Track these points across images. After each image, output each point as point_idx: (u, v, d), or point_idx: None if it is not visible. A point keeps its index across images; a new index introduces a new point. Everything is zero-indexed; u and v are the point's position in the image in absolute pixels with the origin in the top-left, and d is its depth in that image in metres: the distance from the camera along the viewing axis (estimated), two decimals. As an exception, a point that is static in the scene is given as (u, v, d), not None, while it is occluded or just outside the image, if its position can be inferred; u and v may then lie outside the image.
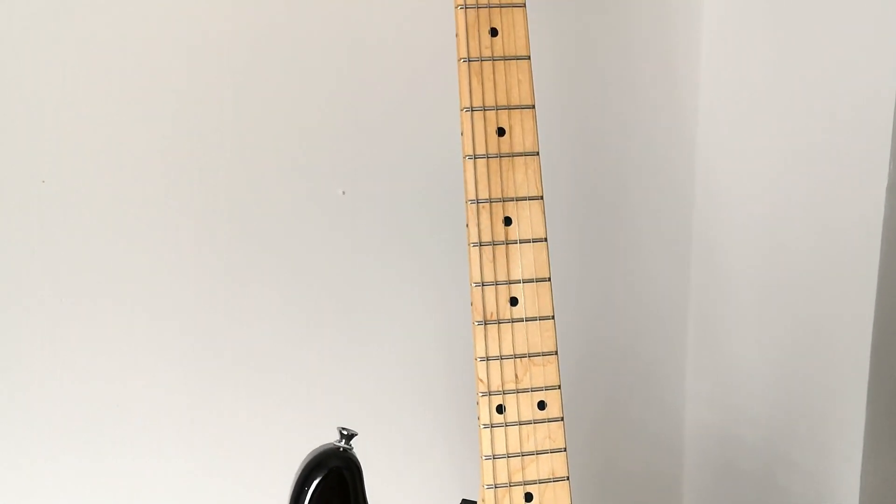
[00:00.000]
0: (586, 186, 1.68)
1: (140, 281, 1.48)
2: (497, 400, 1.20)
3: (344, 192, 1.54)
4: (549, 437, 1.21)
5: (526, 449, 1.20)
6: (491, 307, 1.19)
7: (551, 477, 1.21)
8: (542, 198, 1.20)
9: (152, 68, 1.44)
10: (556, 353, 1.21)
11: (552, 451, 1.21)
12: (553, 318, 1.21)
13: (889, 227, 1.47)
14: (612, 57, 1.66)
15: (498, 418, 1.20)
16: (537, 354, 1.20)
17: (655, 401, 1.80)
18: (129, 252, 1.46)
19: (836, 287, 1.55)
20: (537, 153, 1.20)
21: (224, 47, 1.47)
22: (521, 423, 1.20)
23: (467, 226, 1.19)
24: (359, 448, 1.23)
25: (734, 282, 1.71)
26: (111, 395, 1.49)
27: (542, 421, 1.21)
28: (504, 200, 1.19)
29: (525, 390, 1.20)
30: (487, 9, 1.18)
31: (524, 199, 1.19)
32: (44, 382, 1.46)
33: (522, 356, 1.20)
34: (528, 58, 1.20)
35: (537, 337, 1.20)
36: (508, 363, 1.20)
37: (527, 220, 1.20)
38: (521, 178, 1.19)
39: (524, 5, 1.19)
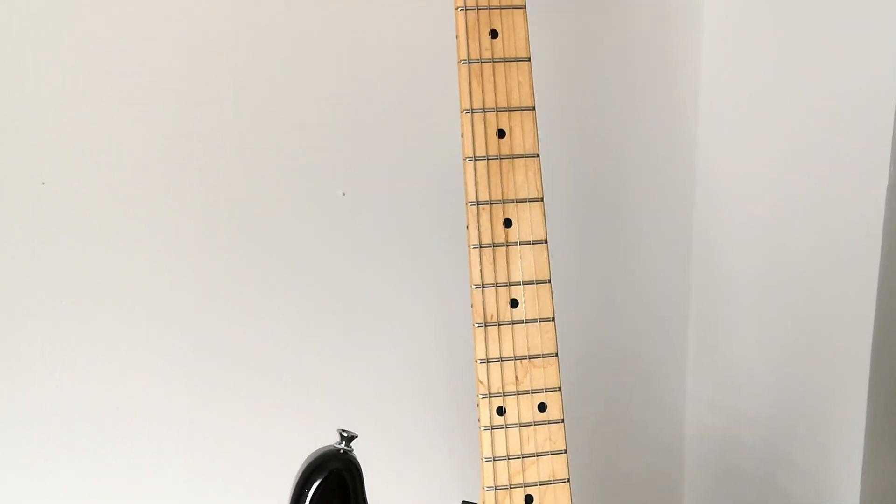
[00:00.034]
0: (586, 187, 1.68)
1: (140, 282, 1.48)
2: (497, 402, 1.20)
3: (344, 194, 1.53)
4: (550, 439, 1.21)
5: (526, 451, 1.20)
6: (491, 309, 1.19)
7: (552, 479, 1.21)
8: (542, 199, 1.20)
9: (152, 68, 1.44)
10: (557, 354, 1.21)
11: (553, 453, 1.21)
12: (553, 319, 1.21)
13: (890, 227, 1.47)
14: (612, 57, 1.66)
15: (498, 420, 1.20)
16: (538, 356, 1.20)
17: (656, 402, 1.80)
18: (128, 253, 1.46)
19: (837, 287, 1.55)
20: (537, 155, 1.20)
21: (224, 47, 1.47)
22: (521, 425, 1.20)
23: (467, 227, 1.18)
24: (359, 449, 1.23)
25: (735, 282, 1.71)
26: (111, 396, 1.49)
27: (543, 423, 1.20)
28: (504, 202, 1.19)
29: (525, 392, 1.20)
30: (488, 10, 1.18)
31: (524, 200, 1.19)
32: (44, 383, 1.46)
33: (523, 358, 1.20)
34: (529, 59, 1.20)
35: (537, 339, 1.20)
36: (509, 365, 1.20)
37: (527, 222, 1.19)
38: (522, 180, 1.19)
39: (524, 7, 1.19)
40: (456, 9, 1.18)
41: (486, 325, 1.19)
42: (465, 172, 1.19)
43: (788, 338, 1.63)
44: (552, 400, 1.21)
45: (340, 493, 1.19)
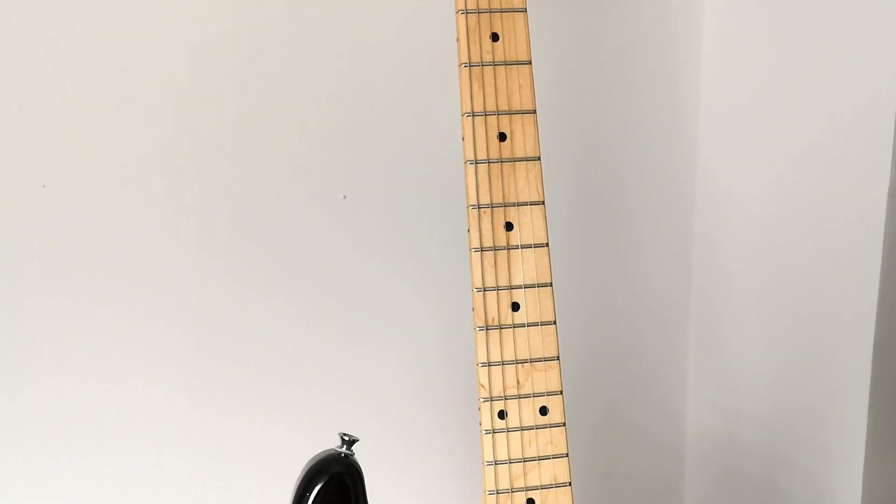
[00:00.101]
0: (587, 188, 1.68)
1: (140, 282, 1.48)
2: (499, 405, 1.20)
3: (345, 197, 1.53)
4: (551, 443, 1.21)
5: (528, 454, 1.20)
6: (492, 312, 1.19)
7: (553, 483, 1.21)
8: (543, 203, 1.20)
9: (152, 68, 1.44)
10: (558, 358, 1.21)
11: (554, 457, 1.21)
12: (554, 323, 1.21)
13: (890, 227, 1.47)
14: (612, 57, 1.66)
15: (500, 424, 1.20)
16: (539, 360, 1.20)
17: (656, 403, 1.80)
18: (128, 253, 1.46)
19: (838, 288, 1.55)
20: (538, 158, 1.20)
21: (224, 47, 1.47)
22: (522, 429, 1.20)
23: (468, 231, 1.18)
24: (359, 450, 1.23)
25: (735, 283, 1.71)
26: (111, 397, 1.49)
27: (544, 426, 1.20)
28: (505, 205, 1.19)
29: (527, 396, 1.20)
30: (488, 13, 1.18)
31: (525, 204, 1.19)
32: (44, 383, 1.46)
33: (524, 362, 1.20)
34: (529, 63, 1.20)
35: (539, 342, 1.20)
36: (510, 369, 1.20)
37: (528, 226, 1.19)
38: (523, 183, 1.19)
39: (525, 10, 1.19)
40: (457, 12, 1.18)
41: (487, 329, 1.19)
42: (466, 176, 1.19)
43: (789, 338, 1.63)
44: (553, 403, 1.21)
45: (342, 497, 1.19)
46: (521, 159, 1.19)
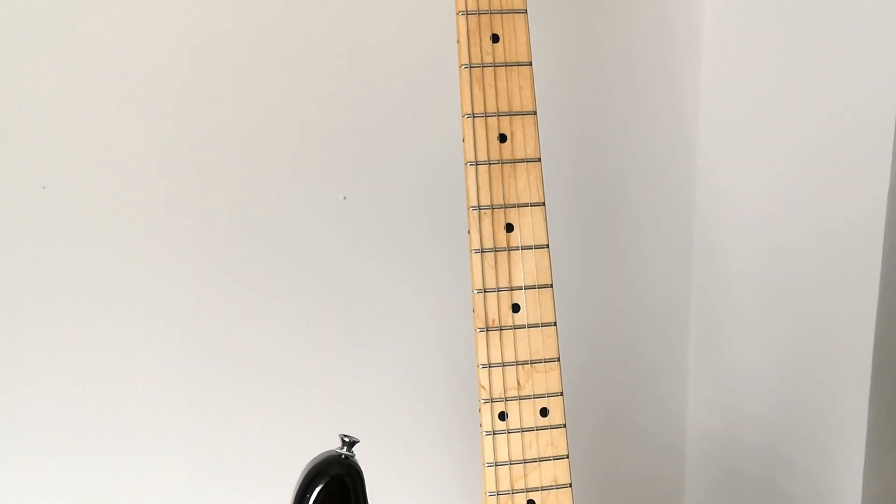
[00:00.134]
0: (587, 188, 1.68)
1: (140, 282, 1.48)
2: (499, 407, 1.20)
3: (345, 198, 1.53)
4: (552, 444, 1.21)
5: (528, 456, 1.20)
6: (493, 314, 1.19)
7: (554, 484, 1.21)
8: (543, 204, 1.20)
9: (152, 68, 1.44)
10: (559, 359, 1.21)
11: (555, 458, 1.21)
12: (555, 324, 1.21)
13: (891, 227, 1.47)
14: (612, 58, 1.66)
15: (500, 425, 1.20)
16: (539, 361, 1.20)
17: (657, 404, 1.80)
18: (128, 254, 1.46)
19: (838, 288, 1.55)
20: (539, 159, 1.20)
21: (224, 47, 1.47)
22: (523, 430, 1.20)
23: (469, 232, 1.18)
24: (359, 451, 1.23)
25: (735, 283, 1.71)
26: (111, 397, 1.49)
27: (545, 428, 1.21)
28: (506, 207, 1.19)
29: (527, 397, 1.20)
30: (489, 15, 1.18)
31: (526, 205, 1.19)
32: (44, 384, 1.46)
33: (524, 363, 1.20)
34: (530, 64, 1.20)
35: (539, 344, 1.20)
36: (511, 370, 1.20)
37: (528, 227, 1.20)
38: (523, 185, 1.19)
39: (525, 11, 1.19)
40: (457, 13, 1.18)
41: (487, 330, 1.19)
42: (466, 177, 1.19)
43: (790, 339, 1.63)
44: (554, 405, 1.21)
45: (342, 499, 1.19)
46: (522, 160, 1.19)
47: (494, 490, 1.20)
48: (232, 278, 1.51)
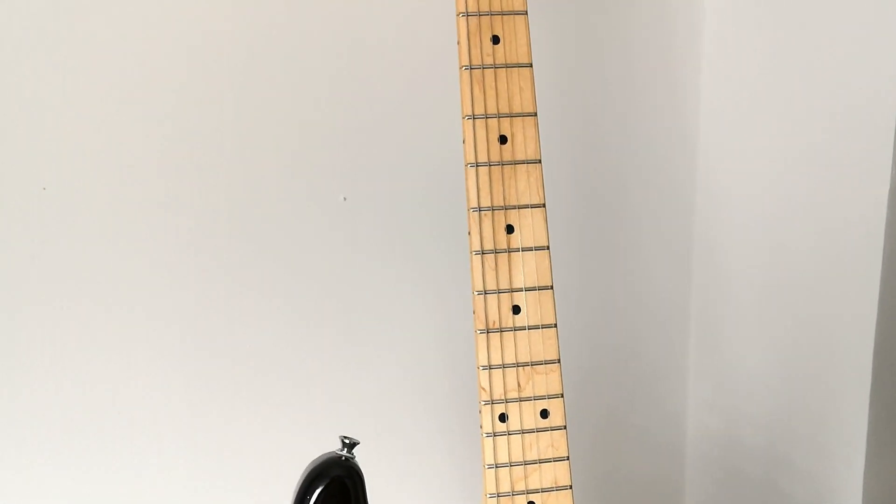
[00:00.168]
0: (587, 189, 1.68)
1: (140, 282, 1.48)
2: (500, 408, 1.20)
3: (345, 199, 1.53)
4: (552, 446, 1.21)
5: (529, 458, 1.20)
6: (493, 315, 1.19)
7: (554, 486, 1.21)
8: (544, 206, 1.20)
9: (152, 68, 1.44)
10: (559, 361, 1.21)
11: (555, 460, 1.21)
12: (555, 326, 1.21)
13: (891, 227, 1.47)
14: (612, 58, 1.66)
15: (500, 427, 1.20)
16: (540, 363, 1.20)
17: (657, 404, 1.80)
18: (128, 254, 1.46)
19: (839, 288, 1.55)
20: (539, 161, 1.20)
21: (224, 47, 1.47)
22: (523, 432, 1.20)
23: (469, 234, 1.18)
24: (359, 452, 1.23)
25: (736, 283, 1.71)
26: (111, 397, 1.49)
27: (545, 429, 1.21)
28: (506, 208, 1.19)
29: (528, 399, 1.20)
30: (489, 16, 1.18)
31: (526, 207, 1.19)
32: (44, 384, 1.45)
33: (525, 365, 1.20)
34: (530, 65, 1.19)
35: (540, 345, 1.20)
36: (511, 372, 1.20)
37: (529, 228, 1.19)
38: (524, 186, 1.19)
39: (526, 13, 1.19)
40: (458, 14, 1.18)
41: (488, 332, 1.19)
42: (466, 179, 1.19)
43: (789, 338, 1.63)
44: (554, 406, 1.21)
45: (342, 501, 1.19)
46: (522, 162, 1.19)
47: (495, 492, 1.20)
48: (232, 278, 1.51)
